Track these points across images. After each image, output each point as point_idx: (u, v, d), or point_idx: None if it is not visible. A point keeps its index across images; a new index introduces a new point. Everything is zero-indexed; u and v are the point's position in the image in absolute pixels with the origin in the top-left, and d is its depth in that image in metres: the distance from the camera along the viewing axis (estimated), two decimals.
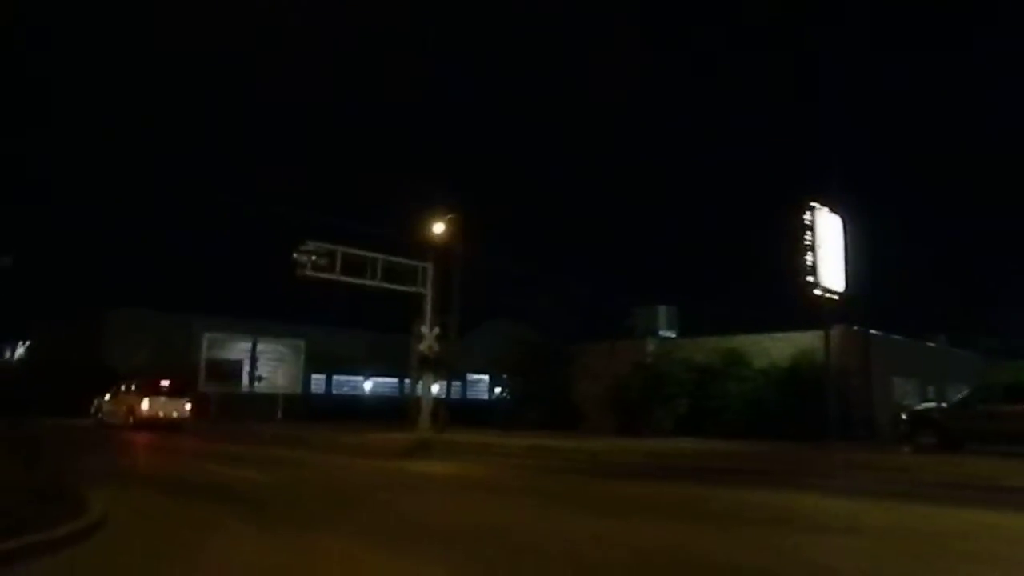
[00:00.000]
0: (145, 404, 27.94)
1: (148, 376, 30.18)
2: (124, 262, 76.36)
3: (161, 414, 27.68)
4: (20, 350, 54.92)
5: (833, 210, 22.34)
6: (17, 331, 52.59)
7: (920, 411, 19.72)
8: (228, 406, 33.55)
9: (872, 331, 24.95)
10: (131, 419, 27.89)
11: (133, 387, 29.28)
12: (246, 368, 34.69)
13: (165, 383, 28.89)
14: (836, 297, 21.83)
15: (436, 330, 25.25)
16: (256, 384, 34.58)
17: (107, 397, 30.48)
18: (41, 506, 7.19)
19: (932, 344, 30.75)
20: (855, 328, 24.33)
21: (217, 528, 7.77)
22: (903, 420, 19.39)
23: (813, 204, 21.69)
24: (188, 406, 28.84)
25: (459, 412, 29.89)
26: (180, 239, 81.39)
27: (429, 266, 25.80)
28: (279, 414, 33.25)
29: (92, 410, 30.99)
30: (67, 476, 8.93)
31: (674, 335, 29.92)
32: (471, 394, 41.66)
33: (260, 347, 35.15)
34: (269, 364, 35.49)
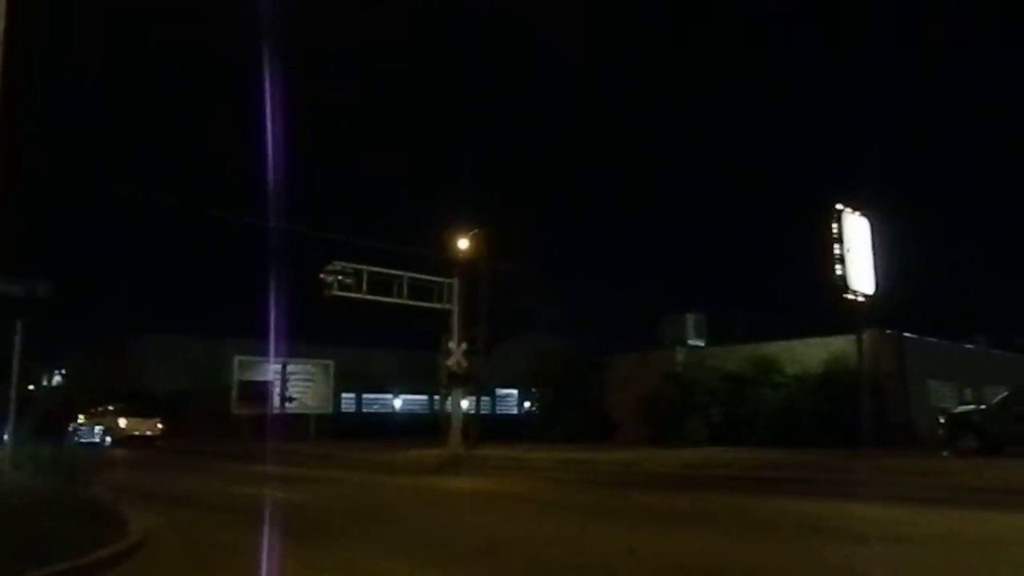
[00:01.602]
0: (123, 422, 31.19)
1: (124, 399, 33.87)
2: (154, 288, 77.56)
3: (136, 432, 30.99)
4: (57, 377, 56.00)
5: (861, 212, 22.07)
6: (54, 359, 53.63)
7: (959, 414, 19.31)
8: (261, 427, 33.85)
9: (906, 334, 24.53)
10: (109, 437, 29.88)
11: (110, 408, 32.55)
12: (277, 389, 34.98)
13: (137, 404, 32.78)
14: (867, 300, 21.53)
15: (464, 346, 25.28)
16: (287, 405, 34.83)
17: (81, 419, 32.91)
18: (86, 526, 7.35)
19: (970, 345, 30.13)
20: (888, 331, 23.93)
21: (253, 547, 7.83)
22: (941, 424, 18.99)
23: (840, 207, 21.47)
24: (160, 424, 32.19)
25: (489, 427, 29.82)
26: (206, 262, 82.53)
27: (455, 282, 25.89)
28: (311, 434, 33.47)
29: (69, 430, 32.69)
30: (104, 497, 9.07)
31: (703, 344, 29.64)
32: (501, 408, 41.57)
33: (290, 368, 35.40)
34: (299, 385, 35.73)
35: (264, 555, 7.36)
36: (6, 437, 14.23)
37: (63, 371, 55.82)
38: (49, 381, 55.29)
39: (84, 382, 49.17)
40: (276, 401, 34.62)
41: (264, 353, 36.24)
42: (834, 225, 21.24)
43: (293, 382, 35.43)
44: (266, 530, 8.98)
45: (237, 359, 35.44)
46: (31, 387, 39.90)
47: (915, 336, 24.99)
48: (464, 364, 25.17)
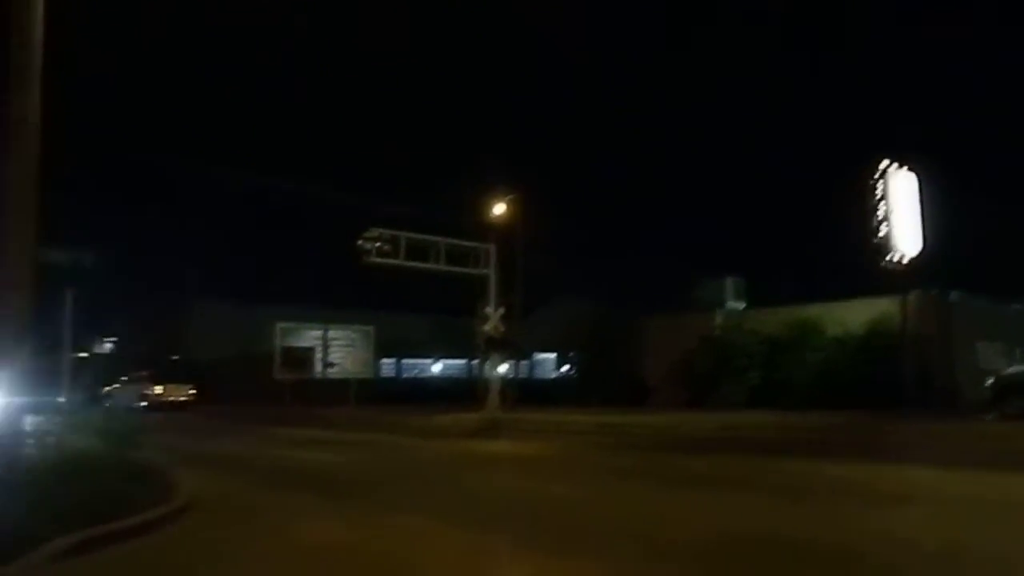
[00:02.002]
0: (157, 389, 33.93)
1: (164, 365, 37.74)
2: (200, 255, 79.01)
3: (171, 398, 33.61)
4: (107, 345, 57.73)
5: (908, 168, 21.43)
6: (103, 327, 55.17)
7: (1006, 376, 18.82)
8: (303, 393, 34.64)
9: (954, 294, 23.96)
10: (144, 402, 32.87)
11: (144, 374, 35.44)
12: (318, 355, 35.64)
13: (172, 371, 36.55)
14: (912, 260, 21.07)
15: (501, 311, 25.40)
16: (329, 370, 35.50)
17: (117, 385, 34.84)
18: (139, 487, 7.68)
19: (1021, 306, 29.31)
20: (934, 292, 23.40)
21: (296, 508, 8.09)
22: (988, 386, 18.59)
23: (886, 163, 20.89)
24: (192, 391, 35.02)
25: (527, 391, 30.07)
26: (249, 230, 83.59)
27: (491, 247, 25.94)
28: (352, 398, 34.13)
29: (102, 394, 34.42)
30: (153, 459, 9.41)
31: (742, 307, 29.36)
32: (538, 373, 41.80)
33: (331, 334, 36.02)
34: (340, 350, 36.34)
35: (301, 514, 7.61)
36: (61, 400, 14.78)
37: (114, 338, 57.48)
38: (100, 348, 56.96)
39: (132, 348, 50.67)
40: (318, 367, 35.35)
41: (304, 319, 37.00)
42: (879, 183, 20.71)
43: (334, 348, 36.05)
44: (304, 491, 9.26)
45: (279, 325, 36.11)
46: (84, 355, 41.46)
47: (963, 296, 24.40)
48: (501, 329, 25.32)
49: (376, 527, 6.92)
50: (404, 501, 8.50)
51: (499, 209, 26.00)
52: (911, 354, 20.03)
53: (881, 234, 20.35)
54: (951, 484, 9.12)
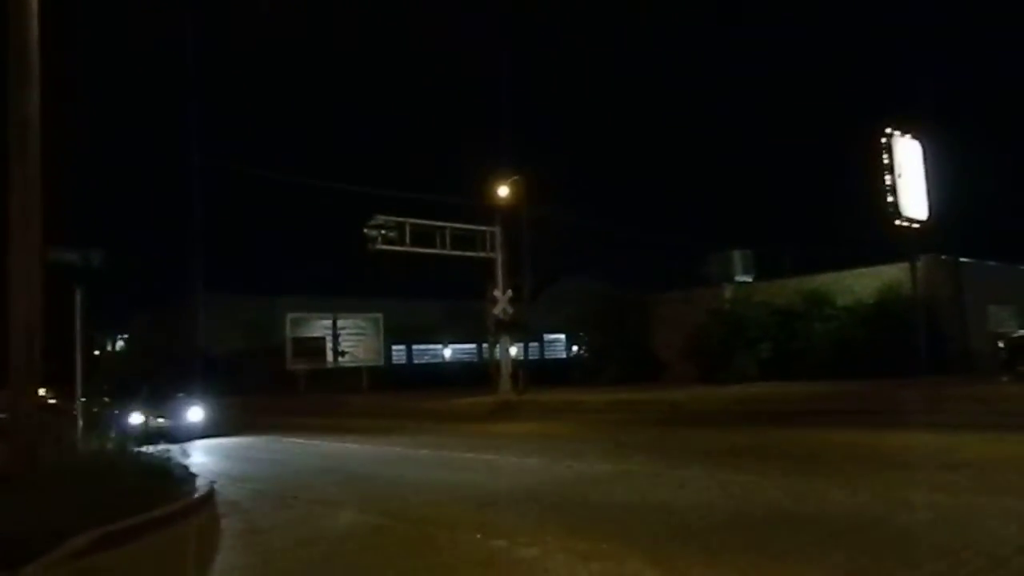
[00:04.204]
0: (41, 391, 37.39)
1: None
2: (208, 248, 79.14)
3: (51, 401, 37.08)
4: (120, 342, 58.04)
5: (912, 135, 21.31)
6: (116, 325, 55.45)
7: (1018, 338, 18.75)
8: (316, 381, 34.79)
9: (963, 259, 23.80)
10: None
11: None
12: (329, 344, 35.75)
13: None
14: (920, 226, 20.96)
15: (509, 293, 25.39)
16: (340, 359, 35.61)
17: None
18: (159, 484, 7.75)
19: None
20: (943, 257, 23.26)
21: (318, 498, 8.13)
22: (1000, 349, 18.51)
23: (890, 131, 20.77)
24: (53, 399, 39.71)
25: (538, 372, 30.11)
26: (254, 222, 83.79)
27: (497, 230, 25.88)
28: (364, 386, 34.27)
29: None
30: (169, 455, 9.46)
31: (751, 279, 29.25)
32: (549, 354, 41.87)
33: (341, 323, 36.11)
34: (351, 339, 36.44)
35: (324, 503, 7.65)
36: (80, 401, 14.88)
37: (126, 336, 57.76)
38: (113, 347, 57.27)
39: (145, 345, 50.91)
40: (329, 356, 35.46)
41: (314, 308, 37.07)
42: (884, 150, 20.60)
43: (344, 336, 36.14)
44: (324, 480, 9.31)
45: (289, 316, 36.21)
46: (96, 352, 41.65)
47: (972, 261, 24.22)
48: (510, 311, 25.31)
49: (389, 513, 6.95)
50: (418, 485, 8.54)
51: (503, 191, 25.89)
52: (923, 319, 19.96)
53: (889, 200, 20.26)
54: (971, 447, 9.09)
